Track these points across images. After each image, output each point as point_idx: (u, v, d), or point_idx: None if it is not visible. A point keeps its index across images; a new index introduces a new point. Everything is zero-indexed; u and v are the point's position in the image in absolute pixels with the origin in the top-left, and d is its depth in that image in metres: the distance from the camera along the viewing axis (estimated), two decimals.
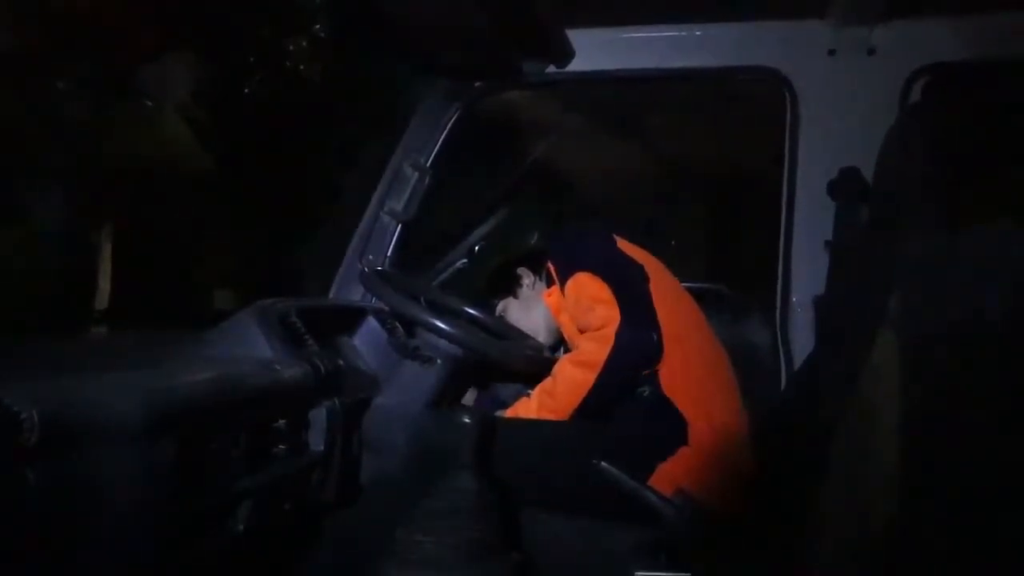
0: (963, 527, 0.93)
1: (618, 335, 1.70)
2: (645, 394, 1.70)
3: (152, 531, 1.12)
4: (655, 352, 1.70)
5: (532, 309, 2.03)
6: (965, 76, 2.04)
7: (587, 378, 1.70)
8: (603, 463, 1.57)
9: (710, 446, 1.67)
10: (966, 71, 2.03)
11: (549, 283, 1.98)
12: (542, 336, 2.01)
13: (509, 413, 1.82)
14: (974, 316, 0.98)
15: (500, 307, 2.07)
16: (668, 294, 1.83)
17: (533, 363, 1.91)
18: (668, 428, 1.68)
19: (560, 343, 2.03)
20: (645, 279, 1.81)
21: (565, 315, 1.90)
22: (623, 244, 1.91)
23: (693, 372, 1.73)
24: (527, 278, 2.05)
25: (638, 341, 1.71)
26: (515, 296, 2.06)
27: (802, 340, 2.05)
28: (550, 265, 1.94)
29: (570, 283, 1.82)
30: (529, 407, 1.78)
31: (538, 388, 1.80)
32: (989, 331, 0.95)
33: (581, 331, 1.82)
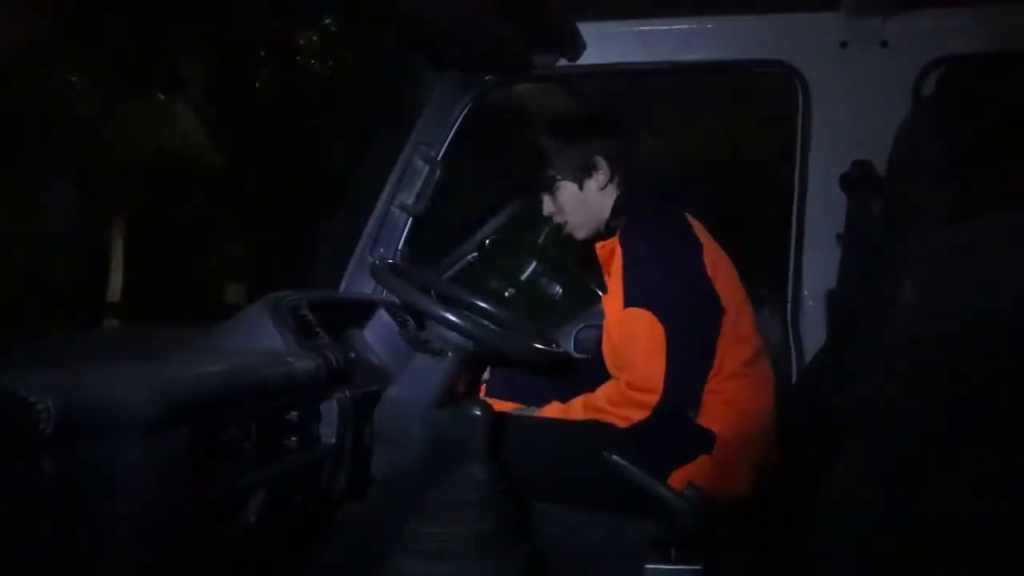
0: (976, 520, 0.93)
1: (657, 406, 1.63)
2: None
3: (164, 521, 1.13)
4: (693, 407, 1.66)
5: (588, 206, 1.86)
6: (978, 68, 2.03)
7: (633, 417, 1.66)
8: (614, 456, 1.57)
9: (734, 453, 1.65)
10: (979, 63, 2.01)
11: (609, 232, 1.83)
12: (582, 232, 1.89)
13: (557, 413, 1.78)
14: (987, 308, 0.97)
15: (557, 185, 1.87)
16: (732, 308, 1.74)
17: (544, 355, 1.91)
18: (692, 439, 1.66)
19: (597, 234, 1.88)
20: (718, 314, 1.70)
21: (613, 305, 1.79)
22: (701, 235, 1.78)
23: (729, 392, 1.69)
24: (602, 173, 1.84)
25: (675, 407, 1.65)
26: (579, 185, 1.85)
27: (814, 334, 2.05)
28: (619, 243, 1.77)
29: (628, 313, 1.69)
30: (575, 414, 1.75)
31: (592, 405, 1.73)
32: (1003, 323, 0.94)
33: (623, 353, 1.74)
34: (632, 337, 1.69)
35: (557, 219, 1.91)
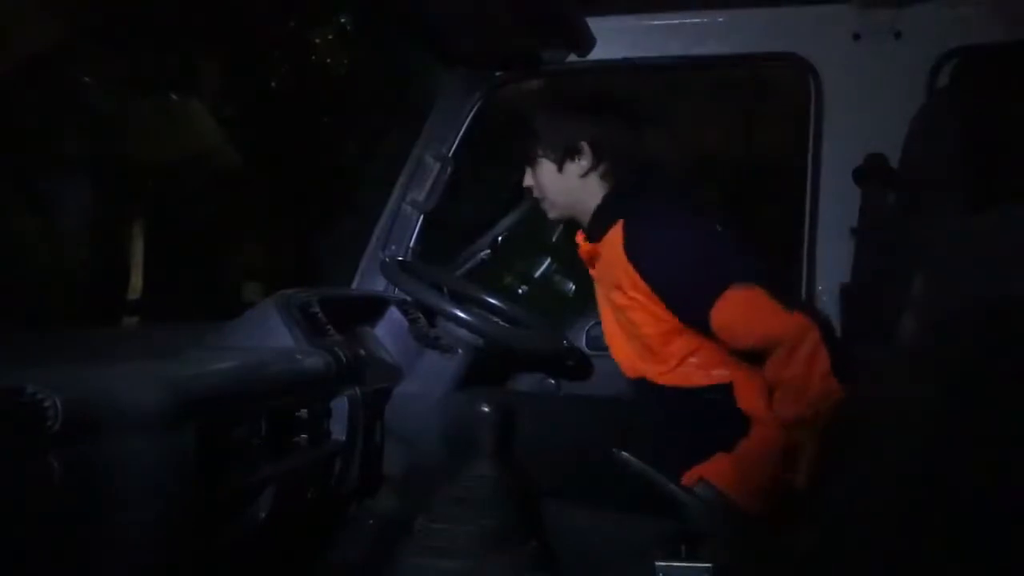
0: (988, 511, 0.92)
1: (819, 339, 1.54)
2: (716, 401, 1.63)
3: (174, 518, 1.13)
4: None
5: (566, 190, 1.79)
6: (993, 59, 2.01)
7: (822, 373, 1.53)
8: (623, 452, 1.56)
9: (755, 459, 1.59)
10: (994, 54, 1.99)
11: (592, 230, 1.76)
12: (554, 212, 1.84)
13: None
14: (1002, 302, 0.96)
15: (537, 161, 1.81)
16: None
17: (554, 352, 1.91)
18: (736, 431, 1.60)
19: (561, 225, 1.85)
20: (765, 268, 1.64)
21: (609, 289, 1.73)
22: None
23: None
24: (584, 159, 1.77)
25: (824, 326, 1.57)
26: (559, 166, 1.78)
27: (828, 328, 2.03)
28: (627, 256, 1.66)
29: (715, 311, 1.58)
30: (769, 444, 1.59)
31: (786, 419, 1.56)
32: (1018, 316, 0.93)
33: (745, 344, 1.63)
34: (739, 324, 1.58)
35: (535, 194, 1.85)
